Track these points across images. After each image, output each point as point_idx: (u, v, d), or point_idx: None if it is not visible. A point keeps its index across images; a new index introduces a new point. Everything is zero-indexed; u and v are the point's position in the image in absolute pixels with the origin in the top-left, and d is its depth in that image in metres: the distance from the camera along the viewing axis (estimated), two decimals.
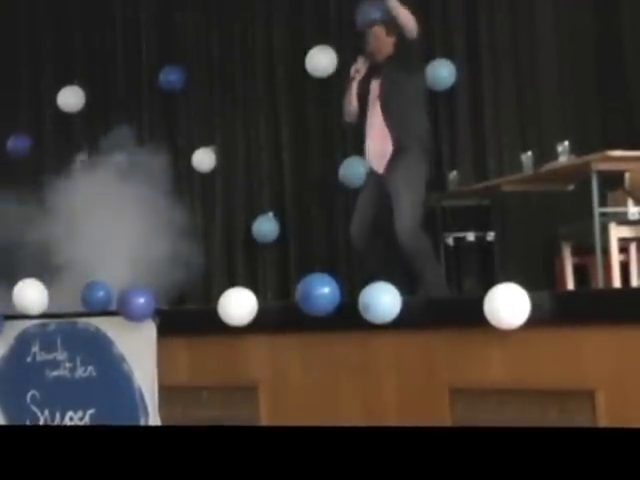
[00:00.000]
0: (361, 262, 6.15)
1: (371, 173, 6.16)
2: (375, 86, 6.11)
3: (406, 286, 5.17)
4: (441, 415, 4.66)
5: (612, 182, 5.51)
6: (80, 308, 6.16)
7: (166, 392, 5.70)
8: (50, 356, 6.19)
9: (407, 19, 5.95)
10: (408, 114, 6.04)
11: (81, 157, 7.80)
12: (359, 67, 6.18)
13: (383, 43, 6.14)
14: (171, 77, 7.96)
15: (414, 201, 5.91)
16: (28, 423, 6.22)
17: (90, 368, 6.02)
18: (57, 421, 6.13)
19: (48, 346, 6.19)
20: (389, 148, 5.99)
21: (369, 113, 6.13)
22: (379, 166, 6.04)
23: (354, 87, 6.21)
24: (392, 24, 6.06)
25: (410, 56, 6.11)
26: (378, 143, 6.04)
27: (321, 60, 7.06)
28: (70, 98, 8.22)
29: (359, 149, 6.39)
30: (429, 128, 6.21)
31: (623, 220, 5.41)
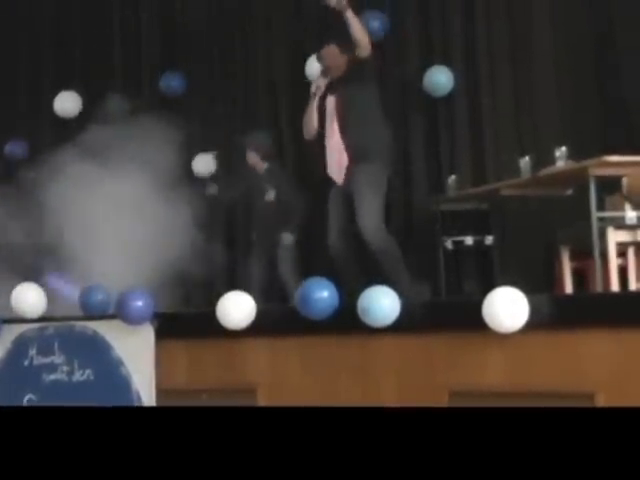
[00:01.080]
0: (344, 269, 6.16)
1: (334, 185, 6.24)
2: (331, 102, 6.26)
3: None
4: None
5: (610, 187, 5.50)
6: (78, 311, 6.15)
7: (164, 395, 5.70)
8: (47, 360, 6.19)
9: (361, 35, 6.08)
10: (364, 128, 6.18)
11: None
12: (319, 84, 6.35)
13: (336, 61, 6.29)
14: (172, 83, 8.00)
15: (372, 201, 6.05)
16: None
17: (88, 372, 6.02)
18: None
19: (45, 350, 6.19)
20: (345, 159, 6.11)
21: (327, 128, 6.26)
22: (338, 177, 6.19)
23: (314, 104, 6.38)
24: (346, 43, 6.20)
25: (363, 73, 6.20)
26: (336, 155, 6.23)
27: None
28: (67, 103, 8.25)
29: None
30: (389, 140, 6.30)
31: (621, 224, 5.41)
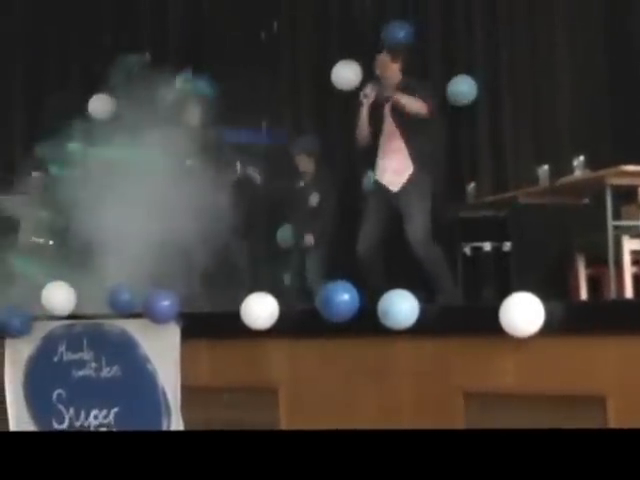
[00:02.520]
0: (369, 277, 6.17)
1: (379, 192, 6.25)
2: (388, 109, 6.24)
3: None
4: (455, 419, 4.71)
5: (626, 196, 5.53)
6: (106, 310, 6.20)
7: (188, 392, 5.74)
8: (76, 356, 6.23)
9: (417, 108, 6.12)
10: (422, 137, 6.21)
11: None
12: (367, 93, 6.33)
13: (389, 69, 6.31)
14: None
15: (426, 215, 6.08)
16: (54, 421, 6.26)
17: (115, 368, 6.06)
18: (82, 419, 6.16)
19: (75, 346, 6.24)
20: (409, 168, 6.13)
21: (383, 134, 6.28)
22: (395, 184, 6.18)
23: (364, 112, 6.34)
24: (397, 50, 6.26)
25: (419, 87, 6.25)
26: (396, 163, 6.18)
27: (346, 74, 7.11)
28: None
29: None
30: (439, 154, 6.34)
31: (636, 233, 5.43)
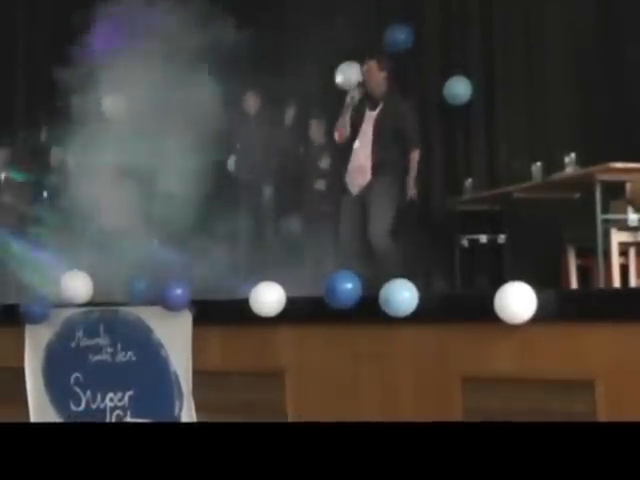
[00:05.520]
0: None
1: (349, 195, 6.35)
2: (370, 116, 6.28)
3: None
4: (453, 402, 4.73)
5: (614, 191, 5.57)
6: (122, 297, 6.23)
7: (200, 377, 5.76)
8: (93, 341, 6.22)
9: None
10: (394, 147, 6.27)
11: None
12: (353, 95, 6.37)
13: (374, 76, 6.34)
14: None
15: (385, 210, 6.13)
16: (71, 404, 6.29)
17: (130, 353, 6.06)
18: (98, 402, 6.18)
19: (91, 332, 6.24)
20: (369, 174, 6.18)
21: (358, 138, 6.30)
22: (356, 187, 6.26)
23: (347, 113, 6.41)
24: (384, 59, 6.33)
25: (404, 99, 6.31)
26: (360, 167, 6.24)
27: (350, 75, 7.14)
28: None
29: None
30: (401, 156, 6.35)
31: (623, 226, 5.47)
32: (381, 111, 6.30)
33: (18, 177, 8.39)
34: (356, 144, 6.35)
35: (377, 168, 6.22)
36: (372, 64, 6.40)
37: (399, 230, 6.20)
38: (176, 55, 6.53)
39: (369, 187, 6.21)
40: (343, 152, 6.54)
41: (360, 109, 6.39)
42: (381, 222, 6.11)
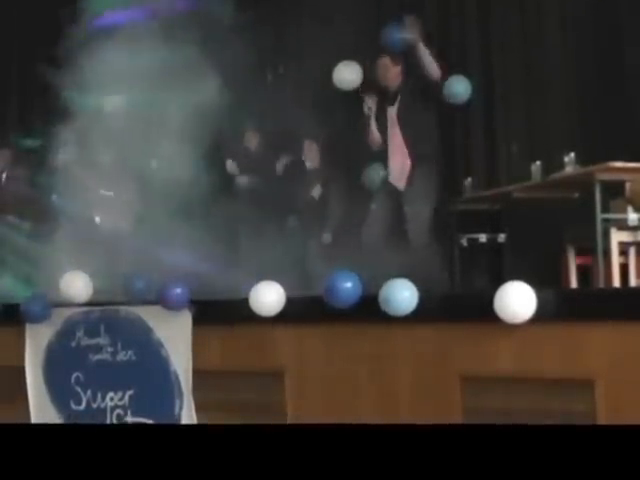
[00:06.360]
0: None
1: (387, 190, 6.29)
2: (392, 112, 6.29)
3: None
4: (453, 402, 4.71)
5: (614, 191, 5.55)
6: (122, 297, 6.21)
7: (200, 376, 5.74)
8: (93, 341, 6.20)
9: (432, 67, 6.22)
10: (422, 134, 6.23)
11: None
12: (370, 105, 6.40)
13: (390, 72, 6.32)
14: None
15: (428, 207, 6.12)
16: (72, 403, 6.27)
17: (130, 352, 6.04)
18: (99, 401, 6.16)
19: (92, 332, 6.21)
20: (408, 164, 6.16)
21: (389, 136, 6.31)
22: (400, 181, 6.22)
23: (372, 122, 6.44)
24: (397, 54, 6.30)
25: (424, 88, 6.28)
26: (398, 161, 6.22)
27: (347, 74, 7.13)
28: None
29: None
30: (439, 144, 6.35)
31: (623, 226, 5.47)
32: (400, 104, 6.28)
33: (19, 175, 8.37)
34: (388, 142, 6.38)
35: (414, 159, 6.21)
36: (386, 60, 6.41)
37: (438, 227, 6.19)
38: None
39: (409, 181, 6.20)
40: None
41: (381, 111, 6.39)
42: (421, 219, 6.10)
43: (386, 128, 6.38)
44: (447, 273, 6.34)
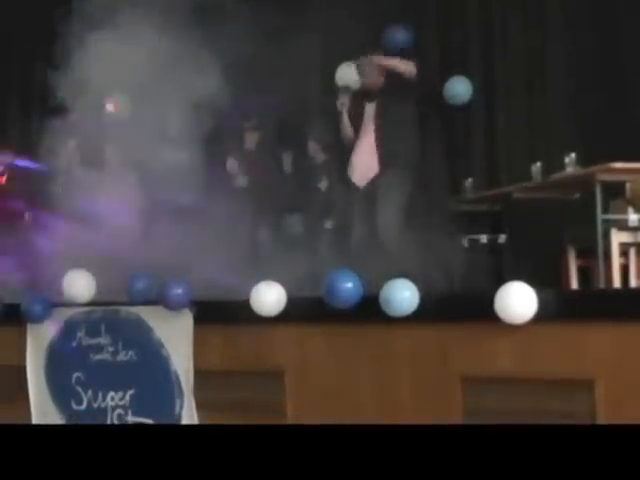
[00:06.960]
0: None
1: (351, 188, 6.33)
2: (370, 109, 6.27)
3: None
4: (453, 402, 4.71)
5: (614, 191, 5.55)
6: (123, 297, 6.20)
7: (200, 376, 5.74)
8: (94, 341, 6.20)
9: (404, 69, 6.22)
10: (396, 133, 6.22)
11: None
12: (343, 101, 6.39)
13: (374, 71, 6.33)
14: None
15: (393, 203, 6.09)
16: (73, 403, 6.27)
17: (131, 352, 6.04)
18: (99, 401, 6.16)
19: (93, 332, 6.21)
20: (374, 166, 6.15)
21: (361, 133, 6.30)
22: (361, 180, 6.21)
23: (345, 117, 6.46)
24: (379, 55, 6.35)
25: (404, 86, 6.27)
26: (362, 160, 6.22)
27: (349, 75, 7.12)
28: None
29: None
30: (417, 148, 6.34)
31: (623, 226, 5.46)
32: (380, 101, 6.28)
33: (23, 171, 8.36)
34: (358, 139, 6.36)
35: (384, 159, 6.19)
36: (369, 58, 6.43)
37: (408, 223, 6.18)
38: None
39: (376, 180, 6.19)
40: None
41: (358, 107, 6.38)
42: (389, 215, 6.07)
43: (360, 125, 6.37)
44: (447, 273, 6.33)
